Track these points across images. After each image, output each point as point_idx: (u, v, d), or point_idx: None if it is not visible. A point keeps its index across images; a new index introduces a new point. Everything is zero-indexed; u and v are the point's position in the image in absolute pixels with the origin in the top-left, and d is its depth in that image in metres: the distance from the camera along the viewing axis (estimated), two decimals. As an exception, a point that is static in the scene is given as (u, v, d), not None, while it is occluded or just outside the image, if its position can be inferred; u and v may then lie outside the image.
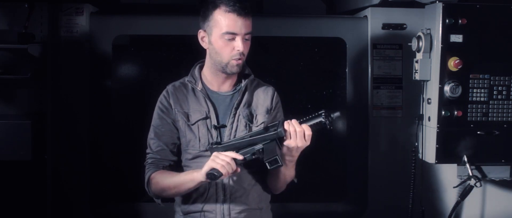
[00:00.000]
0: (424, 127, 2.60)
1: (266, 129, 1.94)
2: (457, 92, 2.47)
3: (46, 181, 2.82)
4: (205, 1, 2.02)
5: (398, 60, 2.92)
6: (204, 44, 2.05)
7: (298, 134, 1.88)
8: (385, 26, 2.90)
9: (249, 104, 2.10)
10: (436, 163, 2.54)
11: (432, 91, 2.51)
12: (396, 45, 2.91)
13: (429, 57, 2.51)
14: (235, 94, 2.09)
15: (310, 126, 1.89)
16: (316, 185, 2.94)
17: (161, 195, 2.06)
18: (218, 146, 1.93)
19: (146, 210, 2.89)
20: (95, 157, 2.87)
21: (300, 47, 3.03)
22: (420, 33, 2.52)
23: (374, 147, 2.93)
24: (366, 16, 2.95)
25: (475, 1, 2.49)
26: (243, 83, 2.10)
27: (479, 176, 2.58)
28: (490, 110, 2.52)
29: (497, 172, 2.68)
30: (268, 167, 1.92)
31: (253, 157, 1.92)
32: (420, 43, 2.51)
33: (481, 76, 2.50)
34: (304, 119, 1.92)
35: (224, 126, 2.05)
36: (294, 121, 1.90)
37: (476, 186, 2.55)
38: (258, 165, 1.99)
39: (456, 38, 2.46)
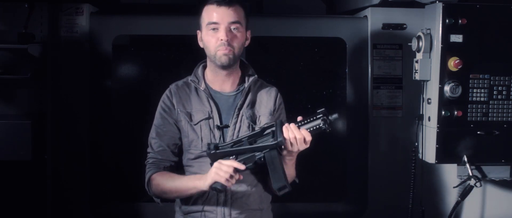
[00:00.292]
0: (424, 127, 2.60)
1: (263, 130, 1.93)
2: (457, 92, 2.47)
3: (46, 181, 2.82)
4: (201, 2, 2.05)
5: (398, 60, 2.92)
6: (200, 43, 2.07)
7: (298, 141, 1.87)
8: (385, 26, 2.90)
9: (252, 105, 2.10)
10: (436, 163, 2.54)
11: (432, 91, 2.51)
12: (396, 45, 2.91)
13: (429, 57, 2.51)
14: (238, 95, 2.09)
15: (309, 131, 1.88)
16: (316, 185, 2.94)
17: (161, 197, 2.06)
18: (216, 151, 1.92)
19: (146, 210, 2.89)
20: (95, 157, 2.87)
21: (300, 47, 3.03)
22: (420, 33, 2.52)
23: (374, 147, 2.93)
24: (366, 16, 2.95)
25: (475, 1, 2.49)
26: (247, 83, 2.09)
27: (479, 176, 2.58)
28: (490, 110, 2.52)
29: (497, 172, 2.68)
30: (278, 194, 1.93)
31: (254, 165, 1.92)
32: (420, 43, 2.51)
33: (481, 76, 2.50)
34: (302, 122, 1.90)
35: (227, 126, 2.04)
36: (292, 126, 1.88)
37: (476, 186, 2.55)
38: (259, 166, 1.99)
39: (456, 38, 2.46)
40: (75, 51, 2.82)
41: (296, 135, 1.87)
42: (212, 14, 1.98)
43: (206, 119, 2.04)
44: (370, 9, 2.91)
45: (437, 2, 2.46)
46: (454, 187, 2.72)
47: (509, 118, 2.54)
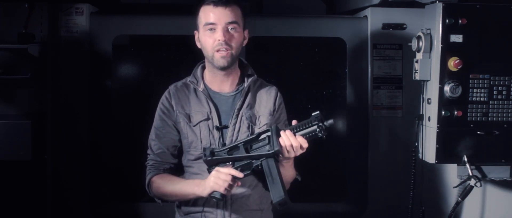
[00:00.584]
0: (424, 127, 2.59)
1: (258, 135, 1.92)
2: (457, 92, 2.47)
3: (46, 181, 2.82)
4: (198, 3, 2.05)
5: (398, 60, 2.92)
6: (198, 44, 2.06)
7: (295, 148, 1.87)
8: (385, 26, 2.90)
9: (251, 105, 2.09)
10: (436, 163, 2.54)
11: (432, 91, 2.51)
12: (396, 45, 2.91)
13: (429, 57, 2.51)
14: (238, 95, 2.08)
15: (305, 138, 1.86)
16: (316, 185, 2.93)
17: (161, 198, 2.07)
18: (212, 157, 1.92)
19: (146, 210, 2.89)
20: (95, 157, 2.87)
21: (300, 47, 3.03)
22: (420, 33, 2.52)
23: (374, 147, 2.93)
24: (366, 16, 2.95)
25: (475, 1, 2.49)
26: (246, 84, 2.08)
27: (479, 176, 2.58)
28: (490, 110, 2.52)
29: (497, 172, 2.68)
30: (278, 209, 1.89)
31: (252, 173, 1.92)
32: (420, 43, 2.51)
33: (481, 76, 2.50)
34: (298, 129, 1.87)
35: (226, 127, 2.04)
36: (288, 133, 1.87)
37: (476, 186, 2.55)
38: (257, 173, 1.99)
39: (456, 38, 2.46)
40: (75, 51, 2.82)
41: (293, 143, 1.86)
42: (209, 15, 1.97)
43: (205, 120, 2.03)
44: (370, 9, 2.91)
45: (437, 2, 2.46)
46: (454, 187, 2.71)
47: (509, 118, 2.53)
